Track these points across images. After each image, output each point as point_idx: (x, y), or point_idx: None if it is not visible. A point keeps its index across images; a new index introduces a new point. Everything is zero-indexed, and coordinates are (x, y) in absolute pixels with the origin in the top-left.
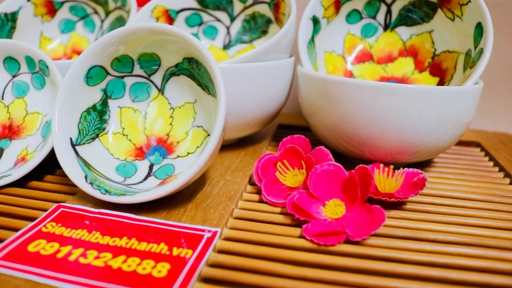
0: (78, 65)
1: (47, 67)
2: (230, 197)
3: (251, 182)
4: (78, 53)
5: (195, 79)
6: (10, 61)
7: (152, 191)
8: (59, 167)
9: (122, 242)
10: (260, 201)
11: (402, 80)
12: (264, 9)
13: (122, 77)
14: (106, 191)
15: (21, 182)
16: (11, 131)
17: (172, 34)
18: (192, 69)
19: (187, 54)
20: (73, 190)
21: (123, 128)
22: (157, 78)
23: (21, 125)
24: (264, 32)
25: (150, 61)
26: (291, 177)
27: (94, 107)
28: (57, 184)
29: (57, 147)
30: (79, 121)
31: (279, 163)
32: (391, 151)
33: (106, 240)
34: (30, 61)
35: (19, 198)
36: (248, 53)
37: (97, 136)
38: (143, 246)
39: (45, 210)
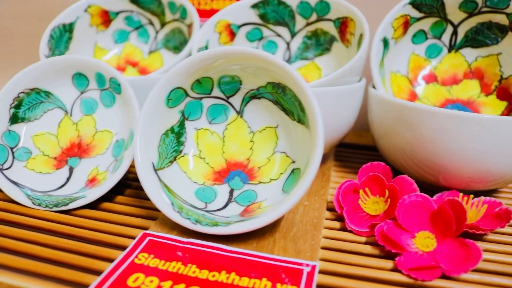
0: (161, 87)
1: (119, 85)
2: (314, 226)
3: (327, 208)
4: (132, 63)
5: (279, 104)
6: (79, 77)
7: (247, 223)
8: (128, 186)
9: (222, 277)
10: (342, 229)
11: (468, 104)
12: (328, 27)
13: (201, 98)
14: (197, 221)
15: (93, 203)
16: (80, 150)
17: (264, 60)
18: (277, 93)
19: (273, 79)
20: (150, 214)
21: (200, 151)
22: (236, 100)
23: (91, 143)
24: (327, 50)
25: (230, 84)
26: (371, 204)
27: (172, 129)
28: (131, 207)
29: (141, 174)
30: (158, 144)
31: (361, 190)
32: (469, 179)
33: (205, 274)
34: (100, 78)
35: (96, 222)
36: (328, 78)
37: (174, 159)
38: (245, 282)
39: (127, 237)
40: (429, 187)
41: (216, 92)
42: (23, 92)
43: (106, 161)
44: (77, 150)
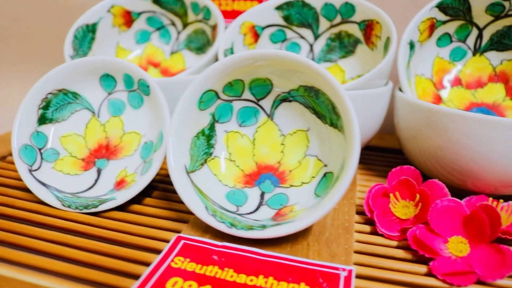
0: (194, 89)
1: (148, 86)
2: (346, 229)
3: (356, 211)
4: (153, 64)
5: (310, 107)
6: (107, 78)
7: (283, 226)
8: (155, 188)
9: (261, 281)
10: (373, 233)
11: (493, 107)
12: (353, 29)
13: (231, 101)
14: (232, 224)
15: (122, 205)
16: (108, 151)
17: (299, 64)
18: (309, 96)
19: (306, 83)
20: (180, 216)
21: (230, 154)
22: (267, 103)
23: (119, 145)
24: (351, 52)
25: (261, 86)
26: (401, 208)
27: (202, 131)
28: (161, 209)
29: (174, 177)
30: (190, 146)
31: (392, 194)
32: (498, 184)
33: (243, 279)
34: (128, 79)
35: (127, 224)
36: (357, 81)
37: (205, 161)
38: (284, 286)
39: (160, 240)
40: (456, 191)
41: (247, 94)
42: (51, 93)
43: (134, 163)
44: (105, 152)
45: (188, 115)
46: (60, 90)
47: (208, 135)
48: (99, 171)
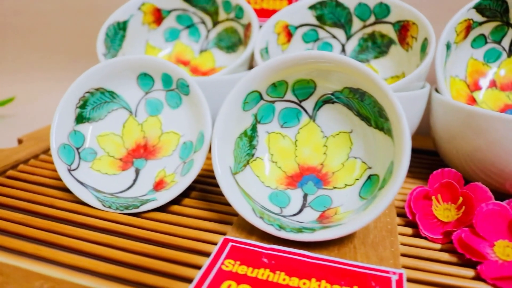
0: (239, 90)
1: (187, 86)
2: (390, 232)
3: (397, 214)
4: (183, 62)
5: (353, 109)
6: (144, 77)
7: (333, 229)
8: (193, 189)
9: (314, 284)
10: (415, 235)
11: None
12: (387, 30)
13: (273, 102)
14: (280, 227)
15: (162, 206)
16: (146, 151)
17: (346, 66)
18: (353, 98)
19: (351, 84)
20: (223, 218)
21: (272, 155)
22: (309, 104)
23: (157, 144)
24: (384, 53)
25: (304, 87)
26: (442, 210)
27: (245, 132)
28: (202, 210)
29: (221, 180)
30: (234, 148)
31: (434, 197)
32: None
33: (296, 282)
34: (167, 78)
35: (169, 225)
36: (398, 83)
37: (247, 163)
38: None
39: (204, 241)
40: (494, 193)
41: (289, 95)
42: (88, 92)
43: (173, 163)
44: (143, 152)
45: (232, 116)
46: (97, 89)
47: (250, 136)
48: (137, 171)
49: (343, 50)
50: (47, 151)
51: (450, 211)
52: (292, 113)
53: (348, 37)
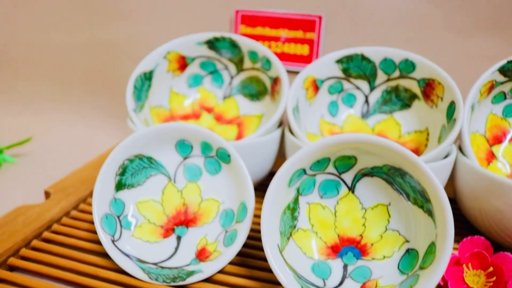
0: (287, 170)
1: (228, 155)
2: None
3: None
4: (207, 109)
5: (392, 183)
6: (183, 144)
7: None
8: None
9: None
10: None
11: None
12: (411, 85)
13: (315, 175)
14: None
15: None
16: (187, 218)
17: (393, 151)
18: (393, 174)
19: (393, 163)
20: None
21: (312, 225)
22: (348, 176)
23: (197, 212)
24: (407, 106)
25: (346, 162)
26: (471, 276)
27: (288, 206)
28: (245, 279)
29: (272, 261)
30: (279, 224)
31: (465, 265)
32: None
33: None
34: (206, 146)
35: None
36: (435, 152)
37: (290, 235)
38: None
39: None
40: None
41: (330, 169)
42: (127, 159)
43: (214, 231)
44: (183, 219)
45: (278, 194)
46: (136, 156)
47: (292, 209)
48: (179, 239)
49: (366, 101)
50: (77, 206)
51: (479, 277)
52: (332, 184)
53: (372, 88)
